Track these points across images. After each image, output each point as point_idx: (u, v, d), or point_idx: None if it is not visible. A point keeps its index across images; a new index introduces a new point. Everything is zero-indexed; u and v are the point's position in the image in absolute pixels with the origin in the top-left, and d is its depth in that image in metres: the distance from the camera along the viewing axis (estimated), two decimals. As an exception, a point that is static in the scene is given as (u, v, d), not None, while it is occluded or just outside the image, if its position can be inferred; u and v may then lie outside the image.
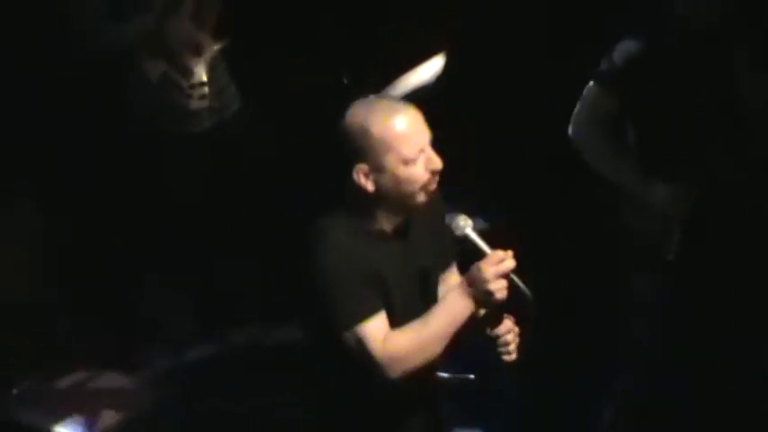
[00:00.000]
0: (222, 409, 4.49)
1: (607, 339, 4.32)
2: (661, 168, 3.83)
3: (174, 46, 4.65)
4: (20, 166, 4.80)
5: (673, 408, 4.10)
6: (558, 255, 4.82)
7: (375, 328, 2.92)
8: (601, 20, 4.54)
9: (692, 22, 3.70)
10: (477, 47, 4.79)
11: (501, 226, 4.21)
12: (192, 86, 4.72)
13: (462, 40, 4.56)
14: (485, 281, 2.91)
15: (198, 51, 4.72)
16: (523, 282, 2.94)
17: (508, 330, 3.15)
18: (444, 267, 3.21)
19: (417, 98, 4.05)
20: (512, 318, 3.16)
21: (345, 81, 4.02)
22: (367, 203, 2.99)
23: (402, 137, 2.93)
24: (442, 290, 3.16)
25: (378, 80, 4.16)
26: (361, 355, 2.91)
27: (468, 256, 3.01)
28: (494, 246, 2.96)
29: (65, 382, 4.10)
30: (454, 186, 3.76)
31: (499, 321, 3.14)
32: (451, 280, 3.17)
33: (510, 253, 2.94)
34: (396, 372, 2.92)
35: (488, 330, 3.16)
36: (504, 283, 2.92)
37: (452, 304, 2.96)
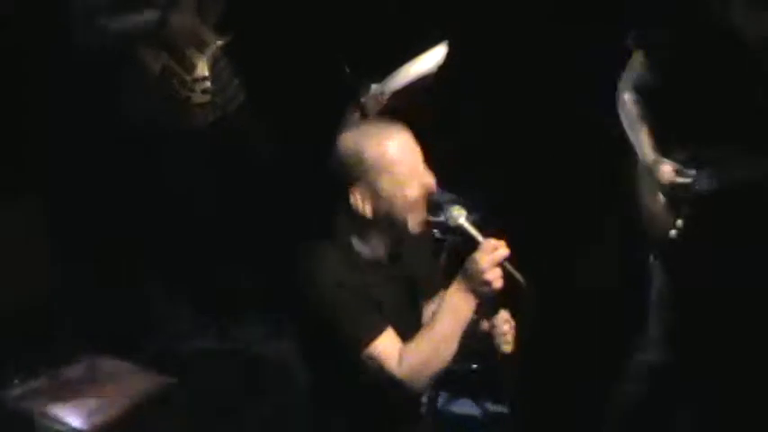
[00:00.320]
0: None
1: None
2: (672, 146, 3.85)
3: (177, 40, 4.65)
4: (17, 162, 4.83)
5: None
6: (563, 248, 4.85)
7: (388, 347, 2.96)
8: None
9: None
10: (479, 37, 4.82)
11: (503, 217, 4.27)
12: (195, 81, 4.72)
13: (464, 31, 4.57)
14: (480, 271, 2.94)
15: (201, 46, 4.73)
16: (517, 270, 2.96)
17: (504, 321, 3.19)
18: (432, 296, 3.28)
19: (418, 88, 4.10)
20: (507, 310, 3.20)
21: (347, 70, 4.01)
22: (363, 228, 3.05)
23: (396, 160, 2.99)
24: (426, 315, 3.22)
25: (378, 70, 4.17)
26: (380, 375, 2.96)
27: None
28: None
29: (65, 372, 4.10)
30: (454, 175, 3.80)
31: (495, 311, 3.18)
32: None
33: (503, 242, 2.96)
34: (417, 383, 2.98)
35: (484, 321, 3.20)
36: (499, 271, 2.95)
37: (454, 302, 2.98)
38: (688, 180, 3.77)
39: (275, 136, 5.03)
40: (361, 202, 2.99)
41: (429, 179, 3.04)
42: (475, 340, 3.18)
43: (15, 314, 4.14)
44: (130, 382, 4.06)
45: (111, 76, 4.70)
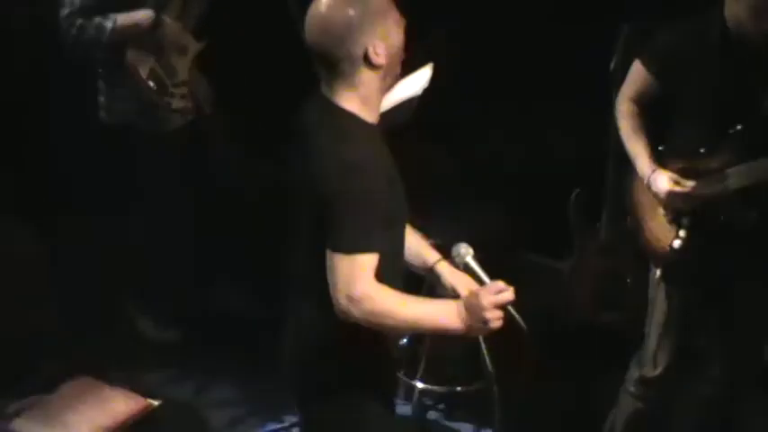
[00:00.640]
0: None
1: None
2: (669, 158, 3.86)
3: (165, 44, 4.63)
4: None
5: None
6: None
7: (371, 265, 2.92)
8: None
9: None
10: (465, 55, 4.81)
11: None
12: (176, 86, 4.70)
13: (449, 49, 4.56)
14: (481, 308, 2.93)
15: (183, 51, 4.71)
16: (520, 314, 2.96)
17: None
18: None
19: (403, 110, 4.08)
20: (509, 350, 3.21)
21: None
22: (369, 87, 3.02)
23: (389, 4, 3.03)
24: None
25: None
26: (346, 278, 2.90)
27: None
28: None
29: (49, 393, 4.09)
30: (444, 196, 3.79)
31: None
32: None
33: (509, 286, 2.96)
34: (358, 313, 2.91)
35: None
36: (499, 313, 2.94)
37: (443, 313, 2.98)
38: (687, 190, 3.79)
39: (244, 138, 5.03)
40: (376, 54, 2.98)
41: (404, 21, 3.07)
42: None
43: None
44: (115, 404, 4.05)
45: (99, 77, 4.69)
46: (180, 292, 5.01)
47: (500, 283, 2.97)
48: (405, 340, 4.58)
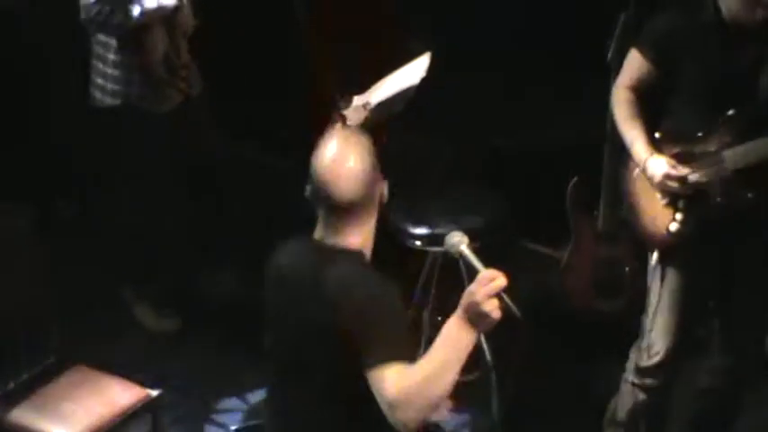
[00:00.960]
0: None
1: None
2: (665, 144, 3.86)
3: (179, 25, 4.63)
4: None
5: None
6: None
7: (399, 373, 2.92)
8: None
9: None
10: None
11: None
12: (182, 67, 4.71)
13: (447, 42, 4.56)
14: (478, 303, 2.90)
15: (186, 33, 4.71)
16: (516, 303, 2.95)
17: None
18: None
19: (400, 100, 4.07)
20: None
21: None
22: (372, 222, 3.10)
23: None
24: None
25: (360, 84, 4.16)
26: (378, 397, 2.92)
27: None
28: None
29: (46, 382, 4.08)
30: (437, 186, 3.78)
31: None
32: None
33: (500, 273, 2.95)
34: (409, 412, 2.90)
35: None
36: (496, 302, 2.91)
37: (453, 333, 2.94)
38: (683, 174, 3.78)
39: (228, 124, 5.02)
40: (383, 192, 3.11)
41: None
42: None
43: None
44: (113, 393, 4.04)
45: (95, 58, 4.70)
46: (178, 280, 5.01)
47: (492, 271, 2.94)
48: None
